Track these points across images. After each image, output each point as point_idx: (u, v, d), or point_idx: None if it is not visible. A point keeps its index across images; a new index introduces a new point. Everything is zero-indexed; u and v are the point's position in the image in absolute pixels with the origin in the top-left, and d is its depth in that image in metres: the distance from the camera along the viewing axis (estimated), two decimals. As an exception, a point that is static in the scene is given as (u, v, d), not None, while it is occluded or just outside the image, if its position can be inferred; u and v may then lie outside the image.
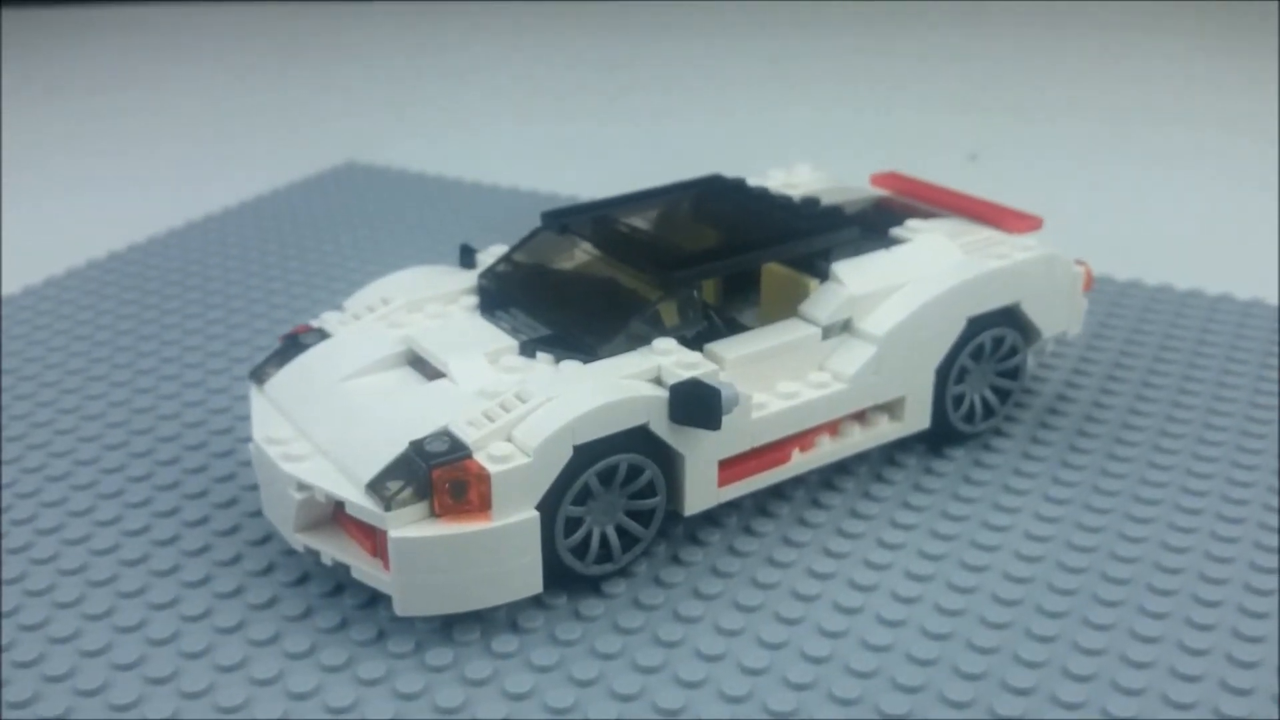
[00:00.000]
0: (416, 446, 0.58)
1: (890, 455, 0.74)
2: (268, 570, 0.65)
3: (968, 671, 0.57)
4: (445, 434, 0.58)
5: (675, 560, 0.65)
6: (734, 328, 0.70)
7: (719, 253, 0.69)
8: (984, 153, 1.39)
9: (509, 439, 0.58)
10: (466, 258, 0.77)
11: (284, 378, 0.67)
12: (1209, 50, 1.84)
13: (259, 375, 0.69)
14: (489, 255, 0.77)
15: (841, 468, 0.73)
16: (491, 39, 1.99)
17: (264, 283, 1.01)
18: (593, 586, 0.63)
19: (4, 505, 0.70)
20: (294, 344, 0.70)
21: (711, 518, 0.68)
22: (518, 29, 2.05)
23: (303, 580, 0.64)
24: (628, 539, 0.63)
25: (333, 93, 1.70)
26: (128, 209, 1.23)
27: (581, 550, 0.62)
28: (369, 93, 1.70)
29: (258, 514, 0.69)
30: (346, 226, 1.13)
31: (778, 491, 0.70)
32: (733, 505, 0.69)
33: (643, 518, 0.64)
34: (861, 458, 0.73)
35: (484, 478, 0.56)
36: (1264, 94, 1.59)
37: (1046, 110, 1.57)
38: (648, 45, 1.93)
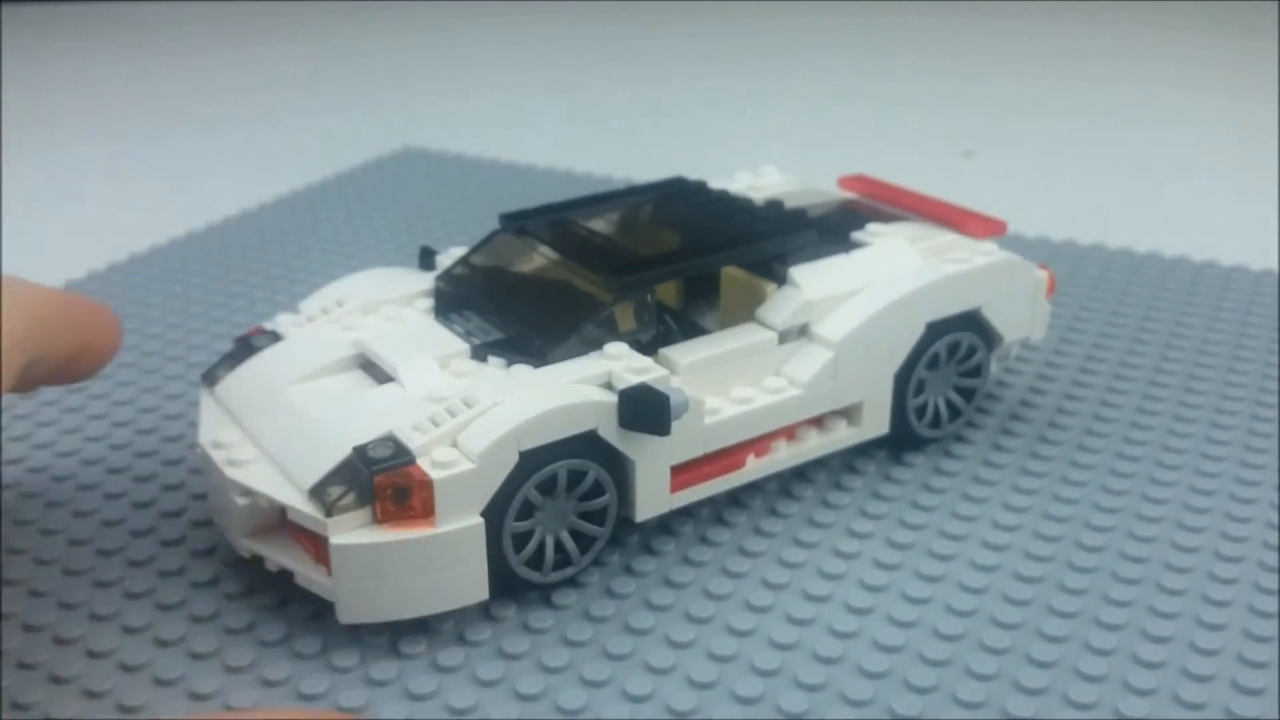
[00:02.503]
0: (360, 452, 0.57)
1: (933, 474, 0.74)
2: (213, 582, 0.64)
3: (979, 672, 0.57)
4: (390, 439, 0.58)
5: (629, 570, 0.65)
6: (695, 331, 0.70)
7: (672, 257, 0.68)
8: (982, 142, 1.39)
9: (454, 444, 0.58)
10: (426, 259, 0.77)
11: (233, 381, 0.67)
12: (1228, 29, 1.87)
13: (210, 378, 0.68)
14: (448, 257, 0.76)
15: (837, 485, 0.72)
16: (535, 33, 2.02)
17: (343, 260, 1.05)
18: (543, 597, 0.62)
19: None
20: (246, 346, 0.69)
21: (667, 527, 0.67)
22: (560, 23, 2.08)
23: (248, 592, 0.63)
24: (584, 540, 0.63)
25: (384, 82, 1.72)
26: (186, 198, 1.26)
27: (537, 561, 0.61)
28: (421, 82, 1.72)
29: (206, 523, 0.68)
30: (410, 209, 1.17)
31: (735, 499, 0.70)
32: (688, 514, 0.68)
33: (595, 517, 0.63)
34: (847, 466, 0.73)
35: (427, 484, 0.56)
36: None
37: (1043, 102, 1.58)
38: (672, 38, 1.95)
